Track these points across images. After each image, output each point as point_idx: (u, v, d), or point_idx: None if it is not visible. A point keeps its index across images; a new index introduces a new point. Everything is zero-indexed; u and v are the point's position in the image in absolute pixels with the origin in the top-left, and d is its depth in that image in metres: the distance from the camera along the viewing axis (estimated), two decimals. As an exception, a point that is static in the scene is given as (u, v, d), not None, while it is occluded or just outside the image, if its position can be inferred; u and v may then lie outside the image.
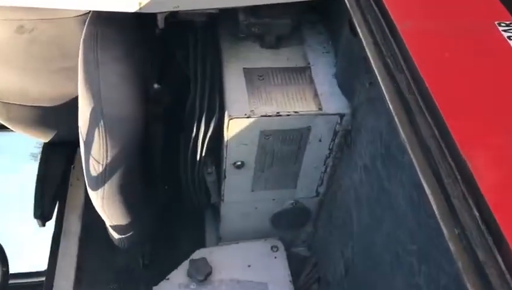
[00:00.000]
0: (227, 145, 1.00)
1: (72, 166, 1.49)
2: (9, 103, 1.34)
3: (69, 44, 1.19)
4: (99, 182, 0.92)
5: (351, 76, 0.97)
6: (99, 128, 0.87)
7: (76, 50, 1.12)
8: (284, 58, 1.08)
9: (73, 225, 1.39)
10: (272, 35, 1.07)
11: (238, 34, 1.06)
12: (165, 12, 0.90)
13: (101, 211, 0.99)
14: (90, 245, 1.40)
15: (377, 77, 0.72)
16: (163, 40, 1.07)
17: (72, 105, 1.35)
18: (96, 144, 0.87)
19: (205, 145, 1.02)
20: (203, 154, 1.04)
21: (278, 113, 0.97)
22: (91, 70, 0.89)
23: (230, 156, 1.03)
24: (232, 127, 0.97)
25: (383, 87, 0.71)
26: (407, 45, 0.71)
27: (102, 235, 1.19)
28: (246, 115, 0.96)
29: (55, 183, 1.39)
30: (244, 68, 1.04)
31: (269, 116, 0.96)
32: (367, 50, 0.77)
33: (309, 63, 1.07)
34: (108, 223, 1.05)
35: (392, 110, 0.68)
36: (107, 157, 0.88)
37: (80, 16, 1.05)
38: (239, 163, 1.05)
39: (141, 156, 0.96)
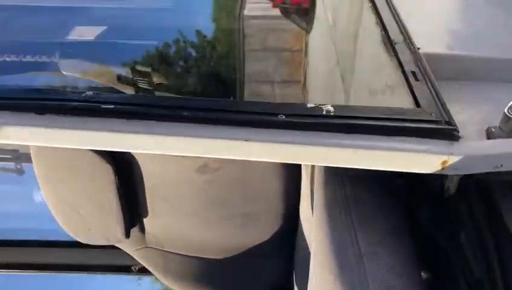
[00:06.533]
0: None
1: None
2: (168, 252, 1.09)
3: (254, 187, 0.94)
4: None
5: None
6: None
7: (261, 193, 0.94)
8: None
9: None
10: None
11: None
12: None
13: None
14: None
15: None
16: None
17: (243, 258, 1.06)
18: None
19: None
20: None
21: None
22: (348, 257, 0.55)
23: None
24: None
25: None
26: None
27: None
28: None
29: None
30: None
31: None
32: None
33: None
34: None
35: None
36: None
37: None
38: None
39: None
